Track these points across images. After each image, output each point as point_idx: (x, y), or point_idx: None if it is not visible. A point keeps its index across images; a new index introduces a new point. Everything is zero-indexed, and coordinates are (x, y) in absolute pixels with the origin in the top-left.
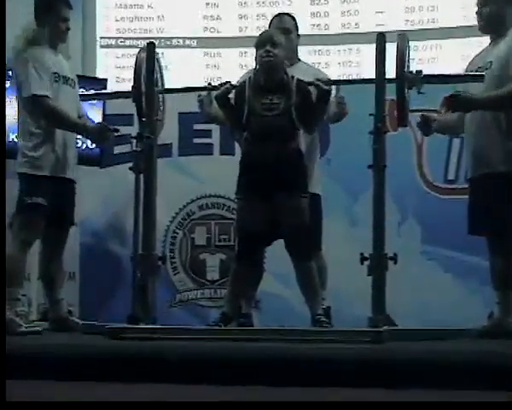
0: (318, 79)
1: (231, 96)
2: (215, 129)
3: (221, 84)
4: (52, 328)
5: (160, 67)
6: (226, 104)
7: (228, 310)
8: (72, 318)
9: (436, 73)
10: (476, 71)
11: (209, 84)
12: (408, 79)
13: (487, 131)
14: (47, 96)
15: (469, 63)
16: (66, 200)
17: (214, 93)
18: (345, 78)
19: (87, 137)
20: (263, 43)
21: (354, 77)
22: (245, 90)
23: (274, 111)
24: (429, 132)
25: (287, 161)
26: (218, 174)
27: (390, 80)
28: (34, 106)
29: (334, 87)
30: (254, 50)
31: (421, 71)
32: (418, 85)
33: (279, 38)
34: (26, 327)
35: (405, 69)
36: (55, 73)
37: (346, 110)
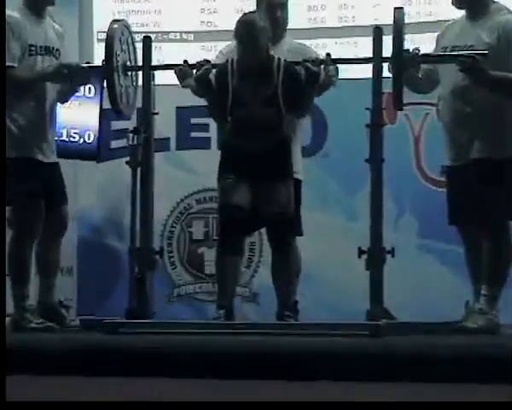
0: (306, 60)
1: (212, 77)
2: (212, 123)
3: (200, 64)
4: (40, 314)
5: (133, 41)
6: (207, 86)
7: (227, 304)
8: (63, 310)
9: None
10: (452, 50)
11: (185, 61)
12: (405, 58)
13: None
14: (13, 67)
15: (440, 39)
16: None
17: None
18: (342, 70)
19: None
20: (244, 36)
21: (351, 70)
22: (227, 75)
23: (259, 98)
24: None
25: (273, 151)
26: (216, 168)
27: (386, 59)
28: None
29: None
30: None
31: (418, 49)
32: (415, 65)
33: (260, 27)
34: (37, 323)
35: (402, 47)
36: (32, 45)
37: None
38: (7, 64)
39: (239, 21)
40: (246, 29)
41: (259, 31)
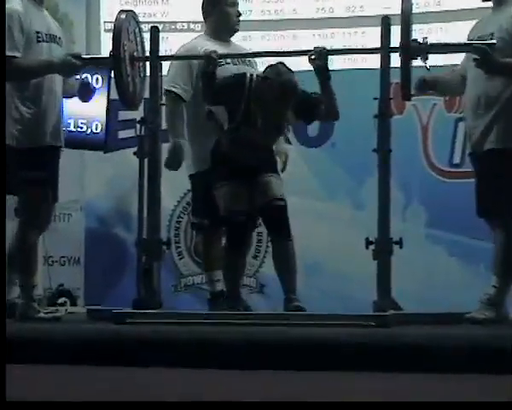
0: (310, 53)
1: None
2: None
3: (208, 56)
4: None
5: (140, 31)
6: (211, 82)
7: (239, 294)
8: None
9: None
10: (477, 40)
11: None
12: (413, 48)
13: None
14: (14, 57)
15: (471, 30)
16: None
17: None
18: (349, 61)
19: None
20: (281, 99)
21: (359, 60)
22: (243, 93)
23: (269, 123)
24: (421, 92)
25: (268, 159)
26: None
27: (394, 49)
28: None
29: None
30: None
31: (426, 38)
32: (423, 55)
33: (297, 89)
34: (45, 313)
35: (410, 37)
36: (38, 32)
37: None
38: (11, 54)
39: (280, 84)
40: (285, 94)
41: (296, 92)
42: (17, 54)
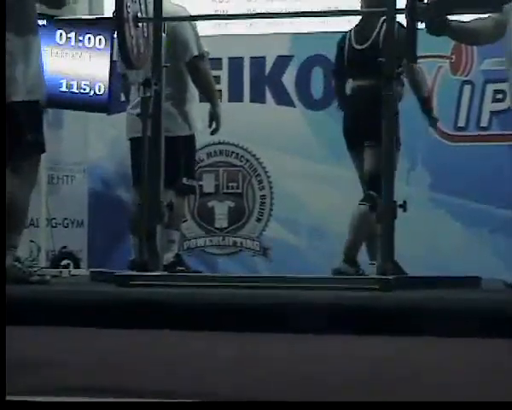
0: None
1: None
2: (224, 75)
3: None
4: None
5: None
6: None
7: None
8: (20, 266)
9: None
10: None
11: None
12: (419, 10)
13: None
14: None
15: None
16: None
17: None
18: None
19: None
20: None
21: None
22: None
23: None
24: (441, 32)
25: None
26: (227, 121)
27: (400, 10)
28: None
29: None
30: None
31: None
32: (429, 17)
33: None
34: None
35: None
36: None
37: None
38: None
39: None
40: None
41: None
42: None
